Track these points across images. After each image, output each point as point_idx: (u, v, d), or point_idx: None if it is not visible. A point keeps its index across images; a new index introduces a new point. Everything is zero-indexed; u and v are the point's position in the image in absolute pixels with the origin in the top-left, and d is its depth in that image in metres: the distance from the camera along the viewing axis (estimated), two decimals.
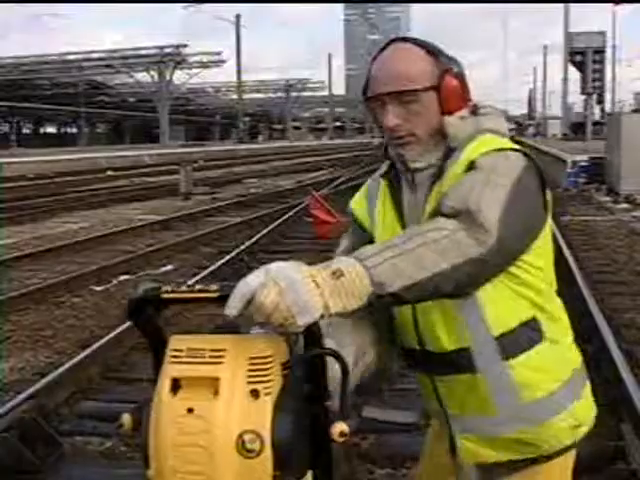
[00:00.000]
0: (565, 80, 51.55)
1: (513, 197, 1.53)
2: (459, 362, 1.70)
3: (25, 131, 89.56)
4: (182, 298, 1.34)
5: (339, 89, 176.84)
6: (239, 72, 62.91)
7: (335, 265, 1.33)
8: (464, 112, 1.73)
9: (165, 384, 1.26)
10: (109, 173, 30.85)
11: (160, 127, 64.89)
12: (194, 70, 66.75)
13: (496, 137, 1.70)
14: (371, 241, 1.82)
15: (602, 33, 41.61)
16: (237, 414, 1.21)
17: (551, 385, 1.70)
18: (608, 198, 17.76)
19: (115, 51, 67.52)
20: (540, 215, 1.67)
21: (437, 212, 1.55)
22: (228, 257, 10.00)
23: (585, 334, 6.09)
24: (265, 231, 12.34)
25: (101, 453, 4.29)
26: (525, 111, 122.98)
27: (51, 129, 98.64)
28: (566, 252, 9.43)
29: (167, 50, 63.39)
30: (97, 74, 69.96)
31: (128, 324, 6.31)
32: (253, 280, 1.24)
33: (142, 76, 67.70)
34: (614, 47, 61.18)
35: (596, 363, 5.38)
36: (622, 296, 7.70)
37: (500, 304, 1.67)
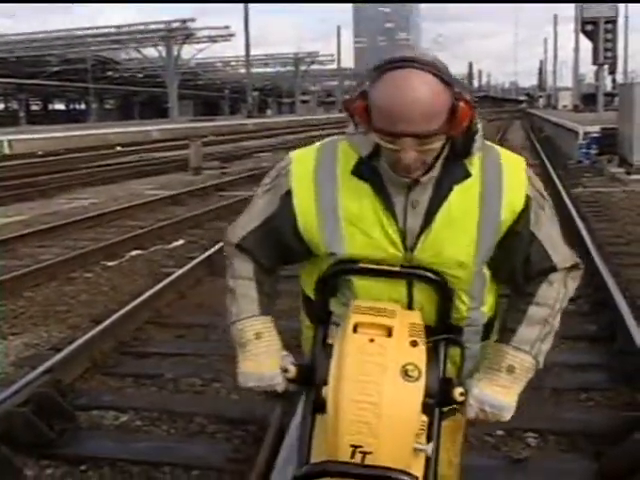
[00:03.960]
0: (576, 50, 50.95)
1: None
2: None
3: (34, 108, 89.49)
4: (374, 269, 1.74)
5: (348, 62, 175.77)
6: (247, 46, 62.46)
7: (506, 362, 1.80)
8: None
9: (349, 327, 1.64)
10: (118, 149, 30.85)
11: (169, 102, 64.70)
12: (202, 45, 66.32)
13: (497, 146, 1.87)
14: (296, 232, 1.80)
15: (614, 2, 40.91)
16: (404, 351, 1.61)
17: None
18: (621, 169, 17.57)
19: (123, 26, 67.10)
20: None
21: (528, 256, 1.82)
22: None
23: (600, 306, 6.07)
24: None
25: (116, 427, 4.30)
26: (535, 82, 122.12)
27: (60, 106, 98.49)
28: (579, 224, 9.38)
29: (174, 25, 62.97)
30: (105, 50, 69.66)
31: (141, 299, 6.33)
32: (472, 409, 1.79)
33: (150, 51, 67.46)
34: (627, 17, 60.32)
35: (612, 334, 5.37)
36: (637, 267, 7.65)
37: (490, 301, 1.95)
